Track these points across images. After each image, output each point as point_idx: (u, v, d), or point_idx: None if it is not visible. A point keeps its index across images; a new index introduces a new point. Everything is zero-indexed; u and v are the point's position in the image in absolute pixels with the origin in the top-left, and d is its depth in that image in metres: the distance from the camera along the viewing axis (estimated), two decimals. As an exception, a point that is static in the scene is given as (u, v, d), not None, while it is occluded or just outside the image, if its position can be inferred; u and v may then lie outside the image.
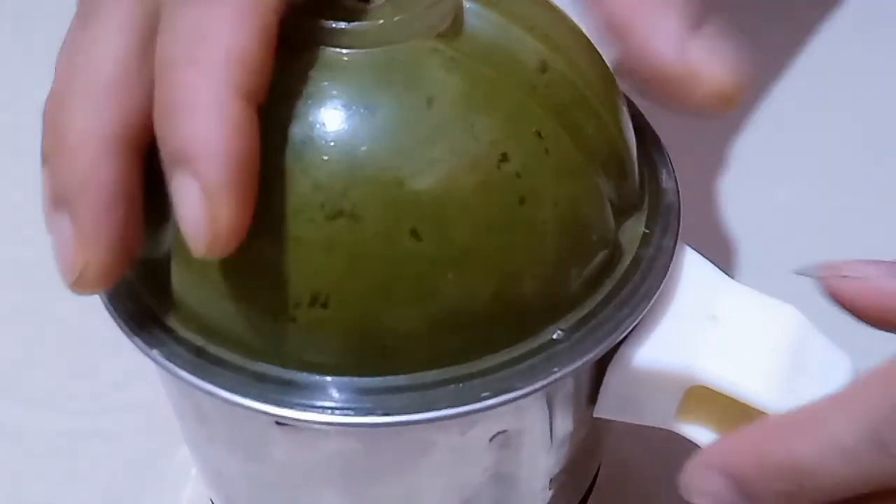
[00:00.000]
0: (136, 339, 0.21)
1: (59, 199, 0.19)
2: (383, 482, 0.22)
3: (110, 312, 0.21)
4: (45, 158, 0.20)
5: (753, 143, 0.39)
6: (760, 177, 0.38)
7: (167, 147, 0.18)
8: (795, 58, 0.43)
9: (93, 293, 0.20)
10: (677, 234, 0.23)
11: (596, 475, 0.27)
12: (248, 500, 0.25)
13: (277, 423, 0.20)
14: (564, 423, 0.23)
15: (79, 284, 0.19)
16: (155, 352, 0.20)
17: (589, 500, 0.27)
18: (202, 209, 0.17)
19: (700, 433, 0.23)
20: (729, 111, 0.22)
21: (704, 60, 0.21)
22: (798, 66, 0.42)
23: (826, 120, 0.40)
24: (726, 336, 0.22)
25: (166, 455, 0.30)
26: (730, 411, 0.22)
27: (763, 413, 0.21)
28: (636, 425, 0.23)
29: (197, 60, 0.18)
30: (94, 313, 0.32)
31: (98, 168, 0.19)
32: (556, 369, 0.20)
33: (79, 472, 0.30)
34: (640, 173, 0.23)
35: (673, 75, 0.21)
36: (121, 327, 0.21)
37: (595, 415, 0.23)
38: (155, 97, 0.18)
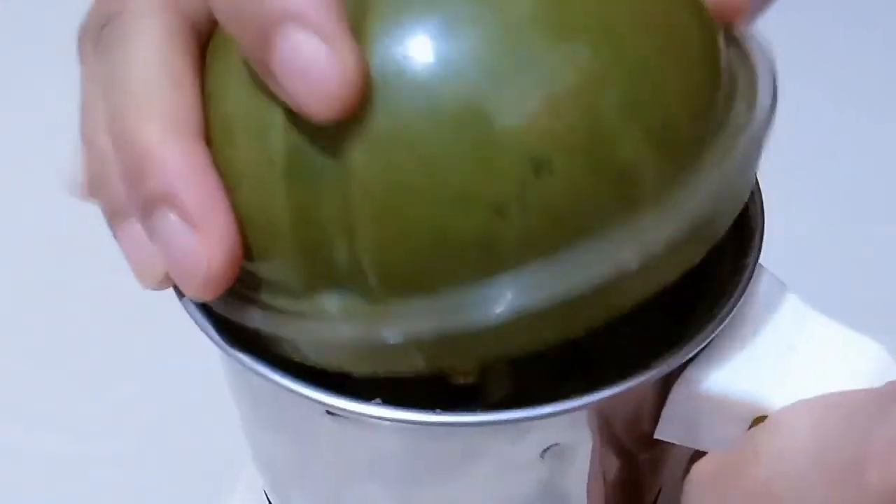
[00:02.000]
0: (197, 314, 0.21)
1: (152, 201, 0.18)
2: (431, 484, 0.21)
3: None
4: (108, 177, 0.19)
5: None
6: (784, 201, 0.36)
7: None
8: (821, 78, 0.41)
9: (214, 293, 0.18)
10: (757, 256, 0.22)
11: (656, 499, 0.26)
12: (295, 488, 0.24)
13: (328, 412, 0.20)
14: (623, 442, 0.22)
15: (210, 283, 0.18)
16: (213, 329, 0.20)
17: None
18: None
19: (766, 466, 0.22)
20: None
21: None
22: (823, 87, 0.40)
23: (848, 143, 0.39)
24: (802, 368, 0.21)
25: (174, 481, 0.30)
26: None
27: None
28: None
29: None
30: (103, 334, 0.32)
31: (196, 155, 0.18)
32: (614, 385, 0.19)
33: (84, 497, 0.30)
34: None
35: None
36: (183, 301, 0.21)
37: (656, 436, 0.22)
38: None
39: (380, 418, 0.19)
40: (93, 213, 0.36)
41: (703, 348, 0.21)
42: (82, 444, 0.30)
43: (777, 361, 0.21)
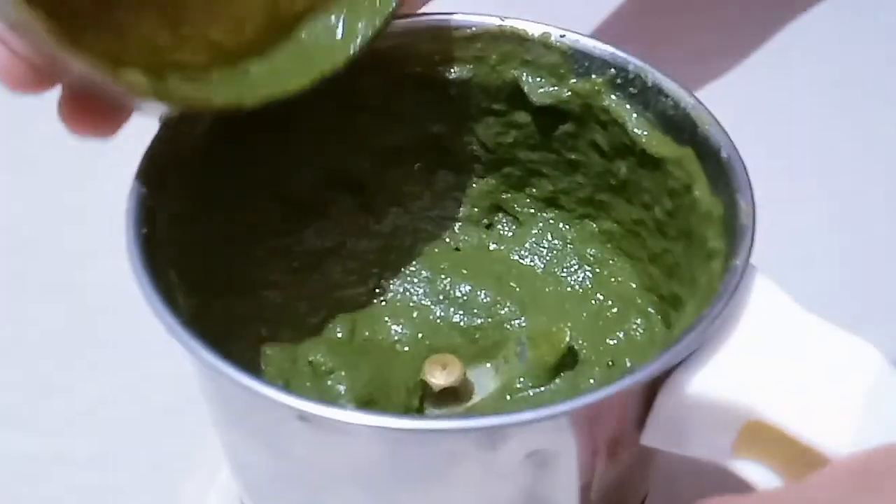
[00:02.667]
0: (165, 314, 0.20)
1: None
2: (408, 490, 0.21)
3: (141, 284, 0.21)
4: None
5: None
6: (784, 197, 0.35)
7: None
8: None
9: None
10: (748, 256, 0.21)
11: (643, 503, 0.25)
12: (270, 493, 0.24)
13: (301, 417, 0.19)
14: (608, 448, 0.21)
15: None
16: (180, 329, 0.20)
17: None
18: None
19: (756, 472, 0.21)
20: None
21: None
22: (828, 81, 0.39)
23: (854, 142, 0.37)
24: (794, 371, 0.20)
25: (144, 482, 0.28)
26: (790, 451, 0.20)
27: (828, 460, 0.19)
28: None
29: None
30: (74, 331, 0.29)
31: None
32: (597, 390, 0.19)
33: (51, 498, 0.28)
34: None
35: None
36: (149, 299, 0.20)
37: (642, 442, 0.21)
38: None
39: (354, 424, 0.18)
40: (61, 207, 0.35)
41: (691, 352, 0.20)
42: (52, 444, 0.30)
43: (769, 365, 0.20)
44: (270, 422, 0.20)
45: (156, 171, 0.23)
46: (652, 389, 0.20)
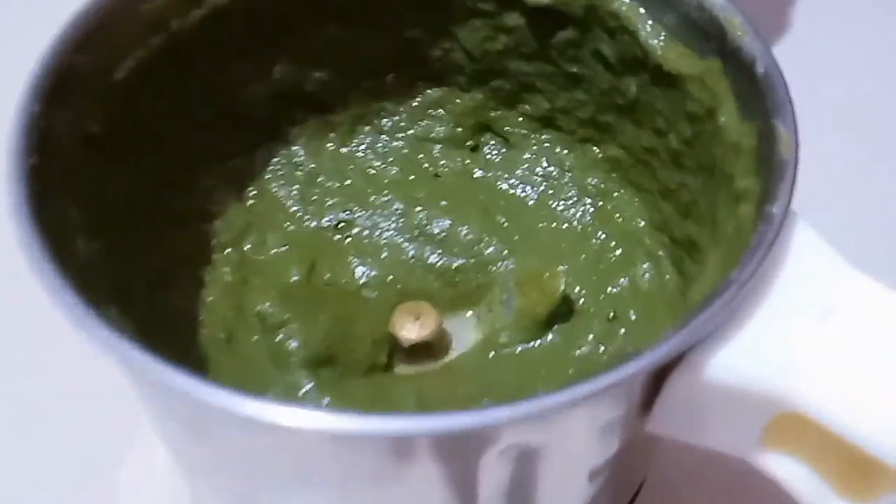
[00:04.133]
0: (45, 266, 0.16)
1: None
2: (358, 490, 0.17)
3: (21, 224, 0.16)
4: None
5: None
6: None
7: None
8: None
9: None
10: (788, 202, 0.17)
11: (637, 492, 0.22)
12: (209, 489, 0.20)
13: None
14: (605, 437, 0.17)
15: None
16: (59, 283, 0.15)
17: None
18: None
19: (789, 469, 0.17)
20: None
21: None
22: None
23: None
24: (841, 343, 0.16)
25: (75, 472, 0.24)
26: (833, 447, 0.16)
27: (884, 464, 0.15)
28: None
29: None
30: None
31: None
32: (595, 377, 0.15)
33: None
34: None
35: None
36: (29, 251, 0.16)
37: (647, 430, 0.17)
38: None
39: (285, 427, 0.14)
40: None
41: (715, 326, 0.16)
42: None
43: (810, 342, 0.16)
44: (197, 415, 0.16)
45: (56, 82, 0.19)
46: (663, 370, 0.16)
